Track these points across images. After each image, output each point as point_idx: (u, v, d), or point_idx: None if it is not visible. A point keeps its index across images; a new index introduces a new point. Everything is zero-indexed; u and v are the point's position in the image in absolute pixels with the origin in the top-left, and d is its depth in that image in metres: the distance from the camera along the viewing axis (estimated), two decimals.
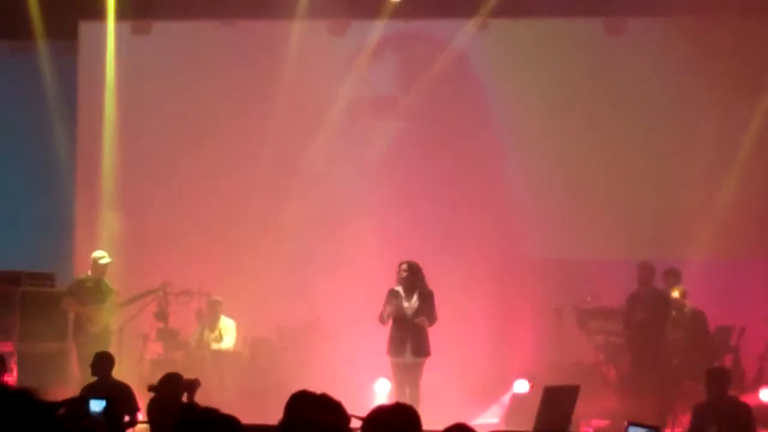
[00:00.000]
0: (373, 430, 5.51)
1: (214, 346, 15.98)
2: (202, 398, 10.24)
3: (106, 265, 15.60)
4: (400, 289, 13.81)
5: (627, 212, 17.11)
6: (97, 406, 6.73)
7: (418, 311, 13.71)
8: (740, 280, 16.51)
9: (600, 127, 17.34)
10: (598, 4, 17.10)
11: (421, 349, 13.74)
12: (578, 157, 17.32)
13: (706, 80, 16.83)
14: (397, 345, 13.74)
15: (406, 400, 12.25)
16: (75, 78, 17.95)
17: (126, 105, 17.82)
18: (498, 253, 17.16)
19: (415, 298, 13.77)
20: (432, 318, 13.79)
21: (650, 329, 14.86)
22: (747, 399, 13.01)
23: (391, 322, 13.80)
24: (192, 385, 10.43)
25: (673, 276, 15.46)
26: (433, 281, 14.16)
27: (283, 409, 6.41)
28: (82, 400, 6.83)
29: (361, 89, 17.73)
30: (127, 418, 11.12)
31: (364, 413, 5.69)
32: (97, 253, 15.70)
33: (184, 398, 10.18)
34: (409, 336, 13.71)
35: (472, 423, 6.10)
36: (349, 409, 5.98)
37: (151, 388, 11.30)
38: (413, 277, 13.78)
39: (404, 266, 13.86)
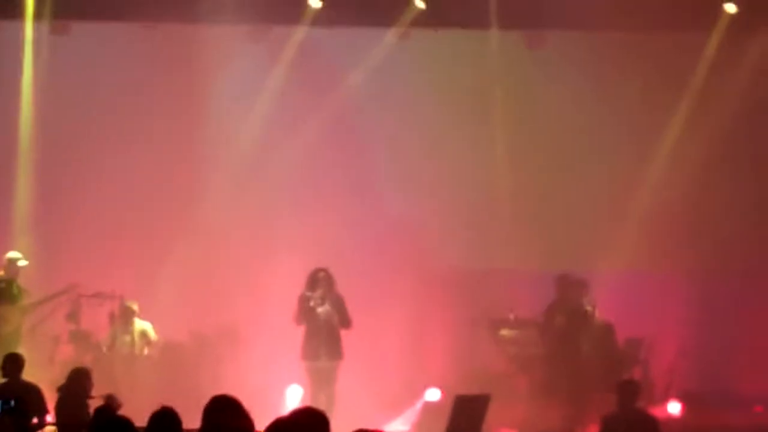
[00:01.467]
0: None
1: (126, 350, 15.83)
2: None
3: (21, 267, 15.42)
4: (312, 294, 13.86)
5: (542, 224, 17.28)
6: (5, 406, 6.66)
7: (330, 315, 13.79)
8: (650, 293, 16.71)
9: (517, 138, 17.47)
10: (517, 17, 17.12)
11: (335, 353, 13.84)
12: (495, 169, 17.45)
13: (623, 94, 17.06)
14: (311, 349, 13.85)
15: (321, 406, 12.27)
16: None
17: (44, 106, 17.63)
18: (415, 262, 17.20)
19: (327, 303, 13.84)
20: (346, 321, 13.93)
21: (567, 338, 15.00)
22: (655, 411, 13.21)
23: (304, 327, 13.87)
24: (113, 404, 10.41)
25: (582, 287, 15.56)
26: (349, 288, 14.24)
27: (201, 414, 6.40)
28: None
29: (278, 97, 17.66)
30: (35, 420, 11.03)
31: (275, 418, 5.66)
32: (12, 254, 15.51)
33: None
34: (323, 340, 13.81)
35: (383, 429, 6.12)
36: (261, 414, 5.96)
37: (59, 389, 11.22)
38: (326, 283, 13.86)
39: (321, 274, 13.94)
